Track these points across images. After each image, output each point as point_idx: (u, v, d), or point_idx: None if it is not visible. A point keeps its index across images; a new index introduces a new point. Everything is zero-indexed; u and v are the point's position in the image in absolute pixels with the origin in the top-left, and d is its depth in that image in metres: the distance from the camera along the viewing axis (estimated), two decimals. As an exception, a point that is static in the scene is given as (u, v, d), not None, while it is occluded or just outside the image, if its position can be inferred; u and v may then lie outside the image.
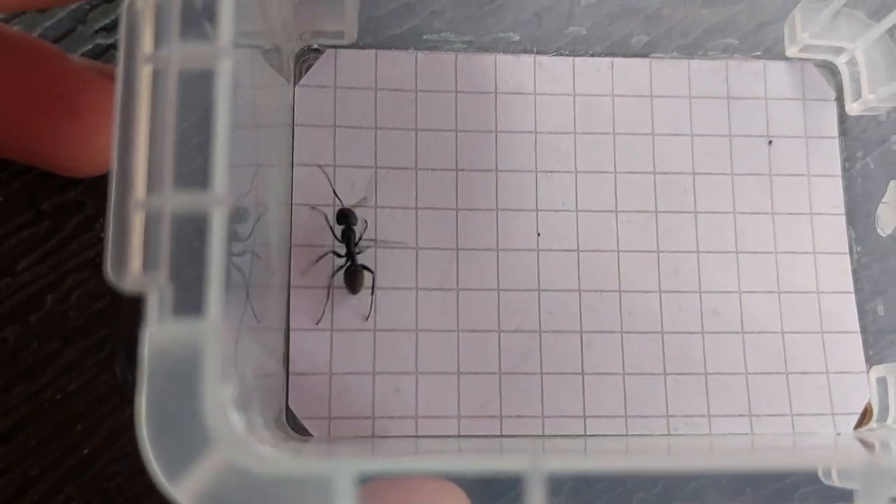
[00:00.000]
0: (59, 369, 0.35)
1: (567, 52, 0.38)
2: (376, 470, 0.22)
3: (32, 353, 0.35)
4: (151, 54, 0.23)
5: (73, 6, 0.37)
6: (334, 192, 0.36)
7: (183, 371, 0.22)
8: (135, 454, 0.32)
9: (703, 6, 0.37)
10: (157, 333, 0.22)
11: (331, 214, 0.35)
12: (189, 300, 0.22)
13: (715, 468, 0.22)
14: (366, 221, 0.36)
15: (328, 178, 0.36)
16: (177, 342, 0.22)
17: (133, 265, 0.22)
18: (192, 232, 0.23)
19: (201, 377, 0.22)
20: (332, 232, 0.35)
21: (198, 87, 0.24)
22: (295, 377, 0.34)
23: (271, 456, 0.23)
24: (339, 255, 0.35)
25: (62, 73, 0.32)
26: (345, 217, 0.35)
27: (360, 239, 0.35)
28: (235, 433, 0.22)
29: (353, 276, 0.35)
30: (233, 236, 0.30)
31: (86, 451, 0.34)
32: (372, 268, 0.35)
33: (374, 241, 0.36)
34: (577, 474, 0.22)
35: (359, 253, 0.35)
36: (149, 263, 0.22)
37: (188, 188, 0.23)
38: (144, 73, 0.23)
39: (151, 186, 0.23)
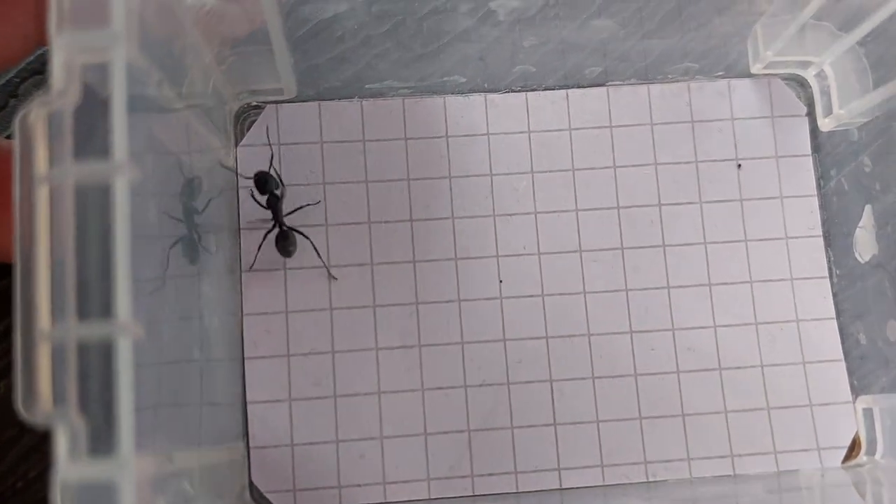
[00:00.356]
0: (18, 457, 0.34)
1: (518, 88, 0.36)
2: None
3: None
4: (46, 174, 0.22)
5: (2, 81, 0.35)
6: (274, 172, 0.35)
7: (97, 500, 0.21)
8: None
9: (650, 37, 0.35)
10: (68, 473, 0.21)
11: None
12: (101, 435, 0.21)
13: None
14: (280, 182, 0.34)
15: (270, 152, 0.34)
16: (89, 482, 0.21)
17: (43, 398, 0.21)
18: (100, 361, 0.22)
19: (116, 517, 0.20)
20: (257, 201, 0.34)
21: (97, 203, 0.22)
22: (256, 451, 0.33)
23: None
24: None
25: None
26: (264, 183, 0.34)
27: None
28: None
29: (284, 240, 0.34)
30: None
31: None
32: (326, 329, 0.34)
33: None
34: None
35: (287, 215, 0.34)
36: (58, 397, 0.21)
37: (92, 317, 0.21)
38: (41, 194, 0.22)
39: (55, 315, 0.22)
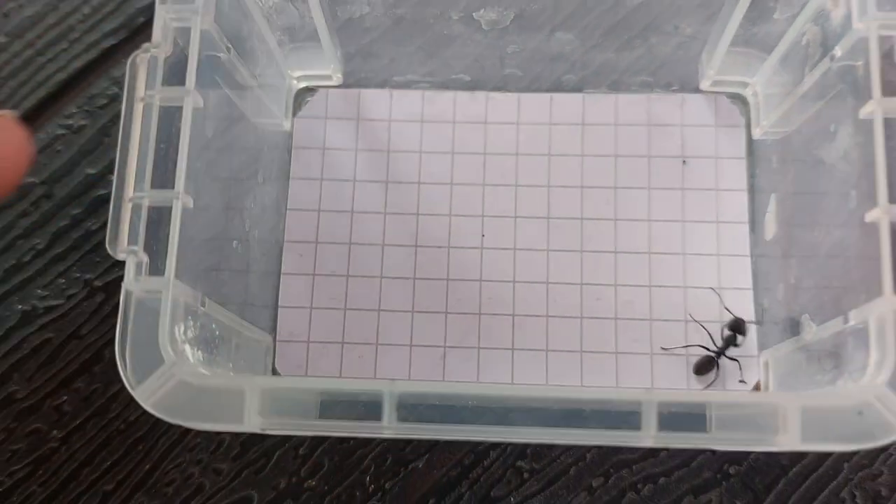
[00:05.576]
0: (122, 405, 0.44)
1: (513, 89, 0.47)
2: (276, 387, 0.31)
3: (100, 395, 0.44)
4: (143, 95, 0.33)
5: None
6: None
7: (149, 312, 0.32)
8: (186, 463, 0.43)
9: (604, 51, 0.45)
10: (131, 286, 0.32)
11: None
12: (156, 267, 0.32)
13: (529, 396, 0.30)
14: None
15: None
16: (146, 293, 0.32)
17: (122, 240, 0.32)
18: (162, 217, 0.33)
19: (160, 315, 0.31)
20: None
21: (173, 116, 0.34)
22: (280, 344, 0.44)
23: (207, 374, 0.32)
24: None
25: None
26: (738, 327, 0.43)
27: None
28: (183, 357, 0.32)
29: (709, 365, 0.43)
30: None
31: (147, 466, 0.44)
32: (345, 259, 0.45)
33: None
34: (417, 396, 0.31)
35: None
36: (131, 239, 0.32)
37: (161, 188, 0.33)
38: (138, 108, 0.33)
39: (137, 186, 0.33)
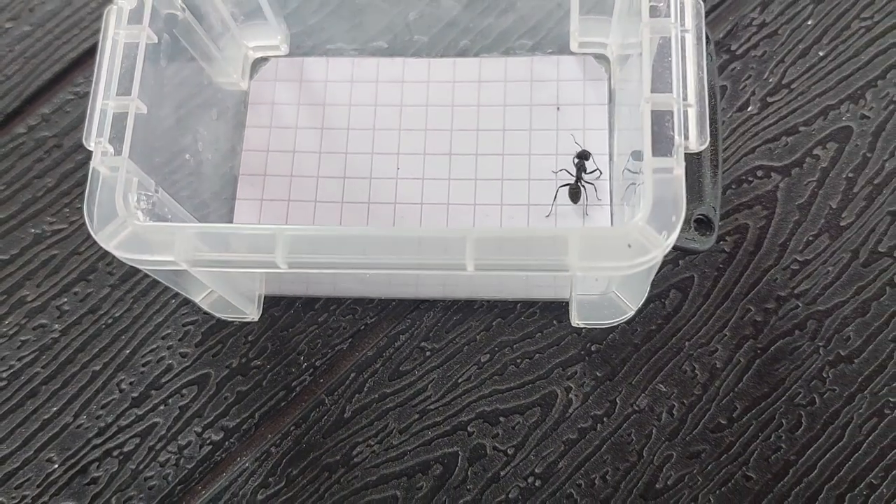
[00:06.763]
0: (110, 305, 0.56)
1: (423, 55, 0.58)
2: (207, 232, 0.42)
3: (93, 297, 0.56)
4: (112, 33, 0.46)
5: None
6: None
7: (111, 184, 0.43)
8: (158, 349, 0.54)
9: (487, 16, 0.56)
10: (98, 167, 0.43)
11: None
12: (118, 153, 0.44)
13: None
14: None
15: None
16: (109, 170, 0.43)
17: (92, 135, 0.44)
18: (122, 118, 0.44)
19: (118, 186, 0.43)
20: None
21: (133, 49, 0.46)
22: (233, 252, 0.55)
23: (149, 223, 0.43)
24: None
25: None
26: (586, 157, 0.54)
27: None
28: (135, 216, 0.43)
29: (576, 193, 0.54)
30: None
31: (128, 352, 0.55)
32: (286, 188, 0.56)
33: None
34: (300, 238, 0.41)
35: None
36: (99, 133, 0.44)
37: (122, 96, 0.44)
38: (108, 42, 0.46)
39: (106, 94, 0.45)
